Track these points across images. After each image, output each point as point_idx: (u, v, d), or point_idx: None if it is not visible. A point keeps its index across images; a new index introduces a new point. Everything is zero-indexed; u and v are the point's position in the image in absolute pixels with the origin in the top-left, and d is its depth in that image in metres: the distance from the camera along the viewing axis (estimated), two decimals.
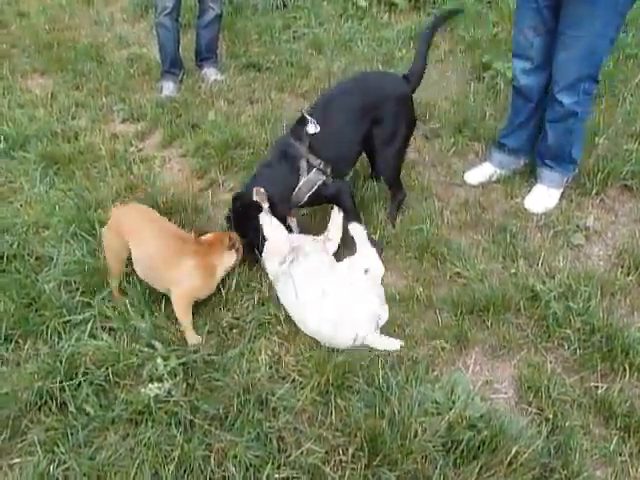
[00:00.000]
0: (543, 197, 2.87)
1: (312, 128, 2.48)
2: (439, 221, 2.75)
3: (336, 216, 2.55)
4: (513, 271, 2.49)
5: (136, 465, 1.75)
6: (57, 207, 2.89)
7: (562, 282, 2.39)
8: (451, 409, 1.92)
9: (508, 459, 1.78)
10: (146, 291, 2.34)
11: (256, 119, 3.57)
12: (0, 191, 3.11)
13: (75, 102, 3.98)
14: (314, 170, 2.49)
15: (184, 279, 2.17)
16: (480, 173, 3.04)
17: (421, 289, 2.40)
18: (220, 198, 3.01)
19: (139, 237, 2.23)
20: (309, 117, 2.50)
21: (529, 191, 2.94)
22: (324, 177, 2.52)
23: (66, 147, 3.40)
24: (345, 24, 4.73)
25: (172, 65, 4.03)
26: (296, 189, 2.50)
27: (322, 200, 2.62)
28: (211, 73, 4.14)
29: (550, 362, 2.16)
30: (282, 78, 4.07)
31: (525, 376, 2.10)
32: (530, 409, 2.01)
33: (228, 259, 2.29)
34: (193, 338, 2.18)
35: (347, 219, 2.54)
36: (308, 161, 2.48)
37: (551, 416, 1.96)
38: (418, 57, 2.68)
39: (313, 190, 2.52)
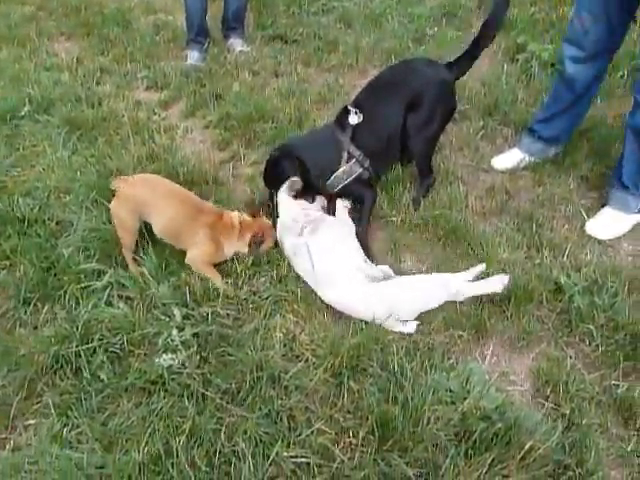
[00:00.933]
0: (613, 222, 2.60)
1: (355, 119, 2.51)
2: (463, 206, 2.68)
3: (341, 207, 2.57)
4: (537, 262, 2.42)
5: (147, 434, 1.76)
6: (79, 173, 2.89)
7: (588, 276, 2.32)
8: (465, 399, 1.89)
9: (521, 453, 1.75)
10: (162, 262, 2.33)
11: (281, 92, 3.51)
12: (23, 154, 3.12)
13: (100, 67, 3.96)
14: (353, 161, 2.53)
15: (196, 245, 2.31)
16: (508, 159, 2.94)
17: None
18: (241, 171, 2.97)
19: (157, 204, 2.32)
20: (352, 108, 2.53)
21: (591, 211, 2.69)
22: (361, 169, 2.55)
23: (89, 113, 3.39)
24: None
25: (198, 34, 3.96)
26: (333, 176, 2.54)
27: (348, 193, 2.61)
28: (237, 44, 4.07)
29: (570, 357, 2.11)
30: (309, 52, 3.98)
31: (543, 370, 2.06)
32: (546, 404, 1.96)
33: (238, 245, 2.36)
34: (219, 283, 2.27)
35: (357, 224, 2.54)
36: (349, 151, 2.52)
37: (568, 412, 1.91)
38: (472, 46, 2.62)
39: (348, 180, 2.56)
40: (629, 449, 1.83)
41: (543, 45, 3.64)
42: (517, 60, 3.72)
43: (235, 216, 2.38)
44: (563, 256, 2.45)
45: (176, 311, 2.12)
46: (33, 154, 3.13)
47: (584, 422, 1.88)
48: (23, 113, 3.41)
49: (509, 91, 3.42)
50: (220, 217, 2.35)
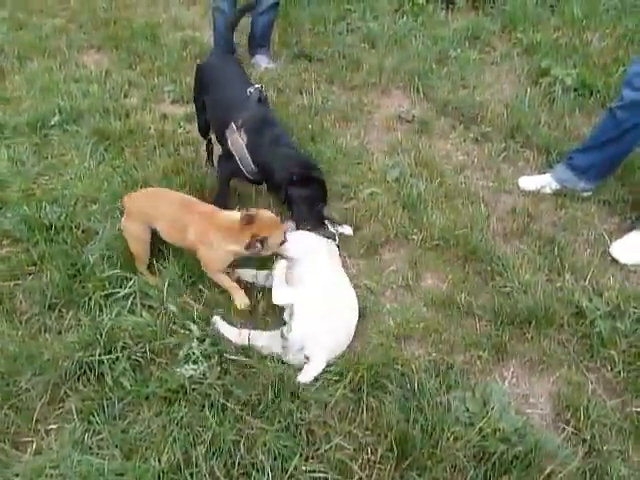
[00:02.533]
0: (639, 247, 2.59)
1: None
2: (484, 227, 2.69)
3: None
4: (559, 285, 2.42)
5: (167, 443, 1.78)
6: (105, 182, 2.95)
7: (610, 301, 2.31)
8: (484, 419, 1.89)
9: (541, 478, 1.74)
10: (182, 273, 2.37)
11: (304, 110, 3.56)
12: (52, 163, 3.19)
13: (128, 80, 4.04)
14: None
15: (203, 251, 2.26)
16: (536, 181, 2.94)
17: (462, 295, 2.35)
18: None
19: (160, 210, 2.34)
20: None
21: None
22: None
23: (117, 124, 3.46)
24: (400, 20, 4.65)
25: (225, 50, 4.04)
26: None
27: None
28: (262, 61, 4.14)
29: (591, 382, 2.10)
30: (333, 70, 4.04)
31: (564, 394, 2.05)
32: (567, 428, 1.95)
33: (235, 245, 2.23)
34: (240, 300, 2.26)
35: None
36: None
37: (588, 437, 1.90)
38: None
39: None
40: None
41: (567, 70, 3.65)
42: (540, 84, 3.74)
43: (230, 214, 2.28)
44: (585, 280, 2.44)
45: (193, 327, 2.14)
46: (61, 163, 3.20)
47: (605, 448, 1.86)
48: (53, 123, 3.49)
49: (532, 114, 3.44)
50: (216, 213, 2.29)
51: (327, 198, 2.54)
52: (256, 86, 2.63)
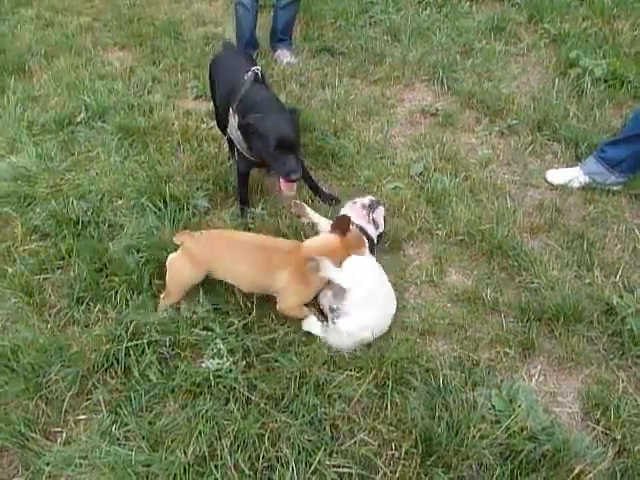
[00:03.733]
0: None
1: None
2: (511, 222, 2.64)
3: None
4: (588, 281, 2.36)
5: (193, 435, 1.79)
6: (130, 178, 2.98)
7: None
8: (511, 417, 1.85)
9: (571, 477, 1.70)
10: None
11: (327, 104, 3.54)
12: (78, 159, 3.24)
13: (152, 77, 4.08)
14: None
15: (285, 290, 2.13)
16: (564, 174, 2.88)
17: (488, 291, 2.32)
18: None
19: (227, 260, 2.19)
20: None
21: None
22: None
23: (141, 120, 3.50)
24: (423, 12, 4.60)
25: (247, 45, 4.06)
26: None
27: None
28: (285, 55, 4.14)
29: (622, 380, 2.04)
30: (355, 64, 4.01)
31: (593, 392, 2.00)
32: (597, 427, 1.91)
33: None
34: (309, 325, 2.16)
35: None
36: None
37: (619, 437, 1.86)
38: None
39: None
40: None
41: (596, 60, 3.56)
42: (568, 75, 3.66)
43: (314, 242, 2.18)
44: (615, 276, 2.38)
45: (217, 328, 2.14)
46: (87, 159, 3.25)
47: (637, 448, 1.81)
48: (79, 120, 3.55)
49: (560, 106, 3.36)
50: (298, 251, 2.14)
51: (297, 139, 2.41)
52: (253, 68, 2.61)
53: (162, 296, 2.26)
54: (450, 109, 3.51)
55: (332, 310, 2.11)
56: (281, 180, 2.41)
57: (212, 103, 3.04)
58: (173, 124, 3.46)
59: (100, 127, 3.49)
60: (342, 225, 2.19)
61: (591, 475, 1.70)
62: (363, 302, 2.07)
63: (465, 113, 3.49)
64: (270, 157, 2.36)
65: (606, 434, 1.89)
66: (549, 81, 3.66)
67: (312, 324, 2.15)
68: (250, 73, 2.56)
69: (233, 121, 2.50)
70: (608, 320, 2.20)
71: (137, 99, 3.78)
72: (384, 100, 3.62)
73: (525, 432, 1.82)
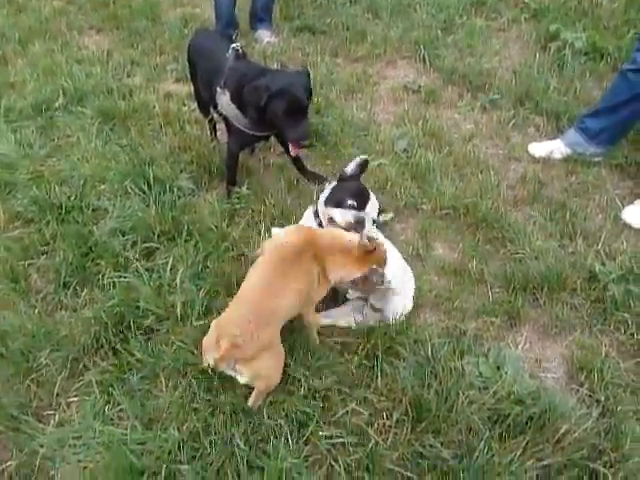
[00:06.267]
0: None
1: None
2: (495, 195, 2.67)
3: None
4: (571, 250, 2.41)
5: (187, 413, 1.81)
6: (113, 162, 2.95)
7: (623, 265, 2.30)
8: (498, 383, 1.90)
9: (556, 437, 1.76)
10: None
11: None
12: (59, 144, 3.19)
13: (130, 60, 4.00)
14: None
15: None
16: (546, 147, 2.91)
17: (474, 263, 2.35)
18: (271, 160, 3.00)
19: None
20: None
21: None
22: None
23: (121, 104, 3.44)
24: None
25: (227, 25, 4.00)
26: None
27: None
28: (265, 35, 4.09)
29: (605, 345, 2.10)
30: (337, 42, 3.98)
31: (577, 357, 2.06)
32: (581, 390, 1.96)
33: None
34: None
35: None
36: None
37: (602, 399, 1.91)
38: None
39: None
40: None
41: (576, 33, 3.58)
42: (549, 49, 3.67)
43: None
44: (597, 244, 2.43)
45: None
46: (68, 144, 3.20)
47: (619, 409, 1.87)
48: (57, 105, 3.47)
49: (541, 80, 3.39)
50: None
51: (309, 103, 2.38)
52: (233, 45, 2.57)
53: None
54: (432, 85, 3.51)
55: (375, 309, 2.10)
56: (290, 144, 2.41)
57: (192, 85, 3.01)
58: (154, 107, 3.41)
59: (79, 112, 3.43)
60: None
61: (576, 434, 1.76)
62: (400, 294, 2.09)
63: (448, 89, 3.50)
64: (280, 121, 2.31)
65: (590, 396, 1.95)
66: (530, 55, 3.67)
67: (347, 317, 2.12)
68: (231, 51, 2.53)
69: (224, 98, 2.48)
70: (591, 287, 2.25)
71: (116, 83, 3.71)
72: (366, 78, 3.61)
73: (512, 397, 1.87)
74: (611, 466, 1.72)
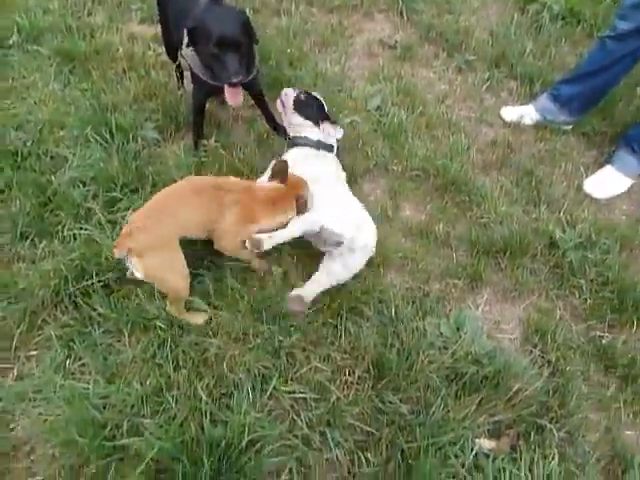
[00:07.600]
0: (611, 182, 2.64)
1: None
2: (465, 158, 2.68)
3: None
4: (534, 216, 2.46)
5: (150, 368, 1.81)
6: (73, 107, 2.80)
7: (582, 232, 2.37)
8: (457, 343, 1.97)
9: (508, 395, 1.85)
10: None
11: (282, 32, 3.38)
12: (13, 86, 2.99)
13: None
14: None
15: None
16: (517, 111, 2.91)
17: (440, 225, 2.38)
18: (241, 113, 2.90)
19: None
20: None
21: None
22: None
23: (82, 44, 3.23)
24: None
25: None
26: None
27: None
28: None
29: (559, 309, 2.19)
30: None
31: (533, 320, 2.14)
32: (534, 351, 2.05)
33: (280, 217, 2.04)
34: (261, 265, 2.14)
35: None
36: None
37: (553, 359, 2.01)
38: None
39: None
40: (608, 394, 1.94)
41: None
42: (527, 11, 3.62)
43: (266, 188, 2.01)
44: (560, 212, 2.49)
45: None
46: (23, 86, 3.00)
47: (568, 369, 1.98)
48: (11, 42, 3.24)
49: (517, 42, 3.34)
50: (249, 192, 1.98)
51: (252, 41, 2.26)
52: None
53: None
54: (409, 41, 3.42)
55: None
56: (225, 88, 2.22)
57: (160, 28, 2.83)
58: (117, 49, 3.22)
59: (35, 51, 3.21)
60: (281, 171, 2.02)
61: (527, 392, 1.85)
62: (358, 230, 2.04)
63: (424, 46, 3.42)
64: (212, 59, 2.16)
65: (542, 357, 2.04)
66: (508, 16, 3.61)
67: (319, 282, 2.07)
68: None
69: (185, 41, 2.33)
70: (550, 253, 2.32)
71: (76, 21, 3.47)
72: (342, 30, 3.48)
73: (470, 357, 1.94)
74: (557, 421, 1.83)
